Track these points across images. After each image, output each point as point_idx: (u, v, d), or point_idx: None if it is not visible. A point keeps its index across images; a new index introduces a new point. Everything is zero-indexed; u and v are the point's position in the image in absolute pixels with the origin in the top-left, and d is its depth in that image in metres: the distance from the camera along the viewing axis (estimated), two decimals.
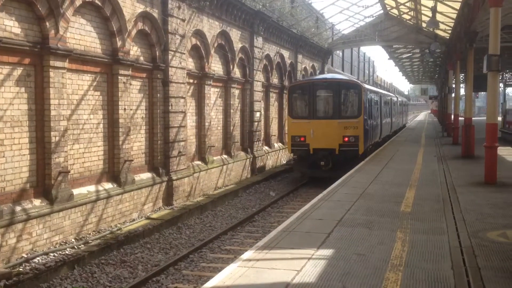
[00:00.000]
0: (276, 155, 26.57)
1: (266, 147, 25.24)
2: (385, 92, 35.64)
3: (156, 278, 9.86)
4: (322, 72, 36.62)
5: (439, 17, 24.43)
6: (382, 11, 34.15)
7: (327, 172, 20.09)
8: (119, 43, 12.99)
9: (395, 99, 39.02)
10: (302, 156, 21.06)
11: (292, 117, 21.37)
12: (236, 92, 21.20)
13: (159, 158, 15.02)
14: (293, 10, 30.36)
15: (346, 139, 20.19)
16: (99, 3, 12.26)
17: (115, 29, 12.85)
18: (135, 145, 14.09)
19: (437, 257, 6.71)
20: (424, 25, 30.20)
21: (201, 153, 18.16)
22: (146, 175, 14.41)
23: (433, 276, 5.99)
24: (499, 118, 33.33)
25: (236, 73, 21.12)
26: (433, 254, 6.85)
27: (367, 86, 24.24)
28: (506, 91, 67.58)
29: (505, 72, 54.55)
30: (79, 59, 11.75)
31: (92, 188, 12.18)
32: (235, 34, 20.61)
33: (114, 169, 13.07)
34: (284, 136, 28.46)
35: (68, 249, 10.60)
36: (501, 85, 55.69)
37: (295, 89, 21.76)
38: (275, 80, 26.87)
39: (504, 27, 24.75)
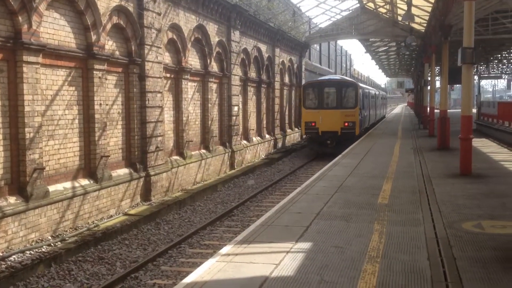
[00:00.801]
0: (255, 149, 26.57)
1: (244, 141, 25.23)
2: (372, 88, 42.89)
3: (135, 275, 9.79)
4: (299, 65, 36.79)
5: (414, 10, 24.65)
6: (358, 5, 34.38)
7: (332, 148, 26.00)
8: (93, 38, 12.81)
9: (378, 93, 45.30)
10: (313, 137, 27.31)
11: (305, 107, 27.56)
12: (213, 86, 21.11)
13: (137, 154, 14.88)
14: (270, 3, 30.36)
15: (346, 124, 26.40)
16: None
17: (89, 23, 12.66)
18: (112, 140, 13.94)
19: (414, 248, 6.80)
20: (399, 18, 30.45)
21: (179, 148, 18.06)
22: (123, 171, 14.28)
23: (409, 267, 6.06)
24: (474, 110, 33.90)
25: (214, 67, 21.02)
26: (409, 246, 6.93)
27: (361, 84, 31.82)
28: (481, 83, 68.67)
29: (480, 65, 55.40)
30: (53, 54, 11.56)
31: (68, 184, 12.02)
32: (212, 28, 20.51)
33: (90, 165, 12.91)
34: (262, 130, 28.47)
35: (44, 246, 10.46)
36: (476, 77, 56.58)
37: (307, 86, 28.27)
38: (252, 74, 26.84)
39: (478, 20, 25.13)
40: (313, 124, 26.77)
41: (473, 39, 13.24)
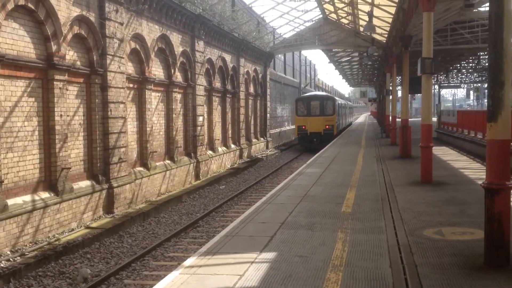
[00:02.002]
0: (220, 159, 26.51)
1: (210, 152, 25.14)
2: (343, 100, 57.37)
3: None
4: (264, 75, 37.02)
5: (375, 21, 25.11)
6: (321, 16, 34.82)
7: (317, 145, 33.98)
8: (54, 48, 12.60)
9: (347, 103, 58.42)
10: (303, 137, 36.91)
11: (297, 115, 37.62)
12: (178, 96, 21.00)
13: (99, 165, 14.65)
14: (234, 14, 30.47)
15: (327, 126, 36.18)
16: (33, 7, 11.85)
17: (49, 33, 12.45)
18: (73, 152, 13.69)
19: (376, 256, 6.87)
20: (361, 29, 30.96)
21: (143, 159, 17.86)
22: (85, 183, 14.02)
23: (372, 274, 6.12)
24: (434, 119, 34.62)
25: (178, 77, 20.93)
26: (372, 253, 7.00)
27: (337, 98, 44.84)
28: (441, 92, 70.44)
29: (440, 75, 56.75)
30: (12, 65, 11.31)
31: (28, 198, 11.72)
32: (175, 38, 20.43)
33: (51, 178, 12.63)
34: (227, 140, 28.44)
35: (3, 262, 10.15)
36: (436, 87, 57.99)
37: (299, 100, 38.70)
38: (217, 84, 26.82)
39: (437, 31, 25.77)
40: (303, 127, 36.42)
41: (432, 49, 13.55)
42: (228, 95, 28.56)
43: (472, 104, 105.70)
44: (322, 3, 30.07)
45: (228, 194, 19.87)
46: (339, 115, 41.68)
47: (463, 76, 67.93)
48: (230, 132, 29.16)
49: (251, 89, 34.11)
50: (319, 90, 72.27)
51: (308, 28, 36.03)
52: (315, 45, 36.25)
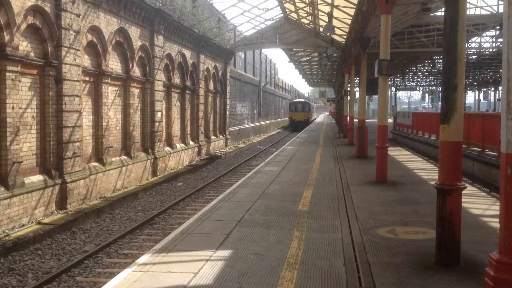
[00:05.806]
0: (179, 156, 26.27)
1: (168, 148, 24.87)
2: (312, 103, 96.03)
3: (48, 286, 9.35)
4: (224, 72, 36.93)
5: (335, 22, 25.38)
6: (282, 15, 34.96)
7: (301, 128, 55.20)
8: (7, 38, 12.18)
9: (313, 104, 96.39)
10: (292, 122, 63.81)
11: (290, 111, 66.37)
12: (136, 91, 20.68)
13: (52, 160, 14.26)
14: (195, 9, 30.23)
15: (305, 118, 63.76)
16: None
17: (2, 23, 12.03)
18: (25, 145, 13.28)
19: (331, 254, 6.93)
20: (321, 29, 31.26)
21: (99, 154, 17.50)
22: (37, 178, 13.62)
23: (326, 273, 6.17)
24: (390, 120, 35.32)
25: (136, 71, 20.59)
26: (327, 252, 7.06)
27: (311, 102, 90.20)
28: (398, 94, 71.98)
29: (396, 77, 57.92)
30: None
31: None
32: (134, 32, 20.10)
33: (1, 172, 12.21)
34: (186, 137, 28.19)
35: None
36: (393, 89, 59.18)
37: (291, 103, 68.49)
38: (177, 80, 26.55)
39: (395, 34, 26.31)
40: (293, 118, 63.28)
41: (389, 51, 13.79)
42: (187, 92, 28.33)
43: (427, 106, 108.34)
44: (283, 2, 30.19)
45: (185, 191, 19.70)
46: (312, 111, 75.38)
47: (419, 79, 69.64)
48: (189, 128, 28.93)
49: (211, 86, 33.94)
50: (279, 89, 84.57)
51: (269, 26, 36.13)
52: (275, 44, 36.37)
